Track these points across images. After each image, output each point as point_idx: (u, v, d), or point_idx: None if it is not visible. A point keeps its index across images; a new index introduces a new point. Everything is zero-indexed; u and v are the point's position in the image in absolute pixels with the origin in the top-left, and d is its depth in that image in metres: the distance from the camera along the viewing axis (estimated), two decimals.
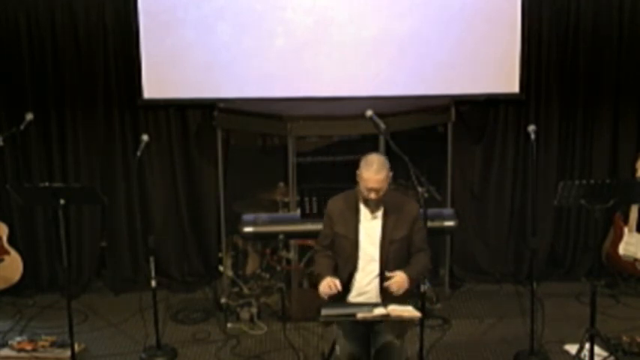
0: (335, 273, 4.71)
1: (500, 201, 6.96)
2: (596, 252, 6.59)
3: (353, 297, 4.76)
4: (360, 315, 4.51)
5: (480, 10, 6.58)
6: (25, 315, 6.48)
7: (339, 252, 4.75)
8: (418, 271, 4.73)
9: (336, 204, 4.80)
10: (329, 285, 4.60)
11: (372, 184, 4.60)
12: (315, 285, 4.82)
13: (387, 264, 4.67)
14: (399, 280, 4.58)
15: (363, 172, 4.63)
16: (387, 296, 4.65)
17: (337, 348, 4.74)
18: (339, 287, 4.62)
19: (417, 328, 5.10)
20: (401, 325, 4.68)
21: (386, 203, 4.70)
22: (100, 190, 5.97)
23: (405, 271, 4.62)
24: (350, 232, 4.70)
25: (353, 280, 4.72)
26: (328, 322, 4.82)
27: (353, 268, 4.71)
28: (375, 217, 4.71)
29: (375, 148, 6.05)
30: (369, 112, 5.44)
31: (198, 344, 6.04)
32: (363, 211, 4.72)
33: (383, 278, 4.67)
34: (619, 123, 6.81)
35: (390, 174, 4.69)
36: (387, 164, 4.66)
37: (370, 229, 4.70)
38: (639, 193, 5.73)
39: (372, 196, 4.62)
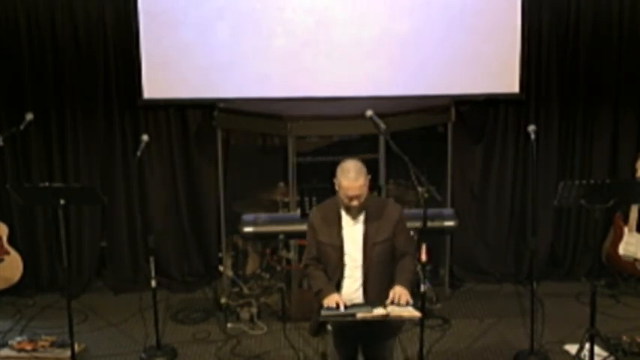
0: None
1: (500, 201, 6.96)
2: (596, 252, 6.59)
3: None
4: (359, 315, 4.50)
5: (480, 10, 6.58)
6: (25, 315, 6.48)
7: (325, 261, 4.70)
8: (407, 279, 4.66)
9: (316, 214, 4.74)
10: (336, 302, 4.57)
11: (352, 192, 4.53)
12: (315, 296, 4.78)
13: (370, 268, 4.64)
14: (398, 292, 4.55)
15: (341, 180, 4.55)
16: (370, 301, 4.63)
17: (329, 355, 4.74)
18: (346, 305, 4.61)
19: (417, 328, 5.10)
20: (394, 325, 4.68)
21: (367, 207, 4.65)
22: (100, 190, 5.97)
23: (400, 284, 4.59)
24: (334, 240, 4.65)
25: (340, 287, 4.70)
26: (318, 331, 4.80)
27: (340, 276, 4.68)
28: (357, 222, 4.66)
29: (375, 148, 6.07)
30: (369, 112, 5.44)
31: (198, 344, 6.04)
32: (345, 218, 4.66)
33: (366, 281, 4.65)
34: (619, 123, 6.81)
35: (369, 177, 4.64)
36: (363, 169, 4.58)
37: (353, 234, 4.65)
38: (639, 193, 5.72)
39: (354, 203, 4.56)
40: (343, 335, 4.68)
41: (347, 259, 4.64)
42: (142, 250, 6.91)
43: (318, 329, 4.79)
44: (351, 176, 4.51)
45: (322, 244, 4.66)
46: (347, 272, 4.65)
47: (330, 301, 4.56)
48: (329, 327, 4.68)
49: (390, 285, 4.62)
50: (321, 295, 4.63)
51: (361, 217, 4.63)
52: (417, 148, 5.63)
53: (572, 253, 7.02)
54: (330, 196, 4.78)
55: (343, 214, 4.65)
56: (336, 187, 4.60)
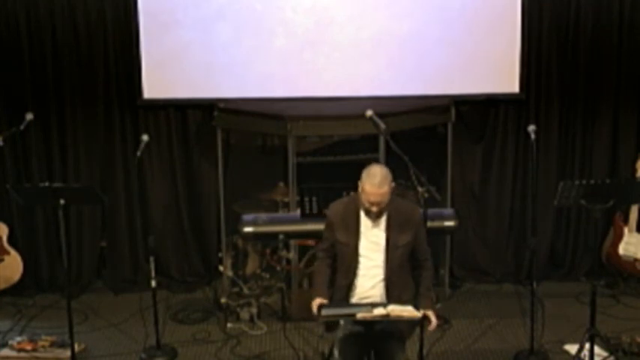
0: (331, 286, 4.71)
1: (500, 201, 6.96)
2: (596, 252, 6.58)
3: (355, 301, 4.74)
4: (359, 315, 4.50)
5: (479, 10, 6.58)
6: (25, 315, 6.48)
7: (339, 259, 4.72)
8: (430, 298, 4.76)
9: (337, 210, 4.73)
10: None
11: (374, 198, 4.53)
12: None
13: (392, 270, 4.65)
14: (432, 323, 4.63)
15: (365, 184, 4.54)
16: (393, 300, 4.64)
17: (335, 352, 4.73)
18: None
19: (417, 328, 5.09)
20: (402, 329, 4.68)
21: (389, 210, 4.64)
22: (100, 190, 5.97)
23: (424, 308, 4.62)
24: (351, 240, 4.65)
25: (353, 285, 4.70)
26: (329, 329, 4.81)
27: (354, 275, 4.69)
28: (377, 224, 4.66)
29: (375, 148, 6.07)
30: (369, 112, 5.43)
31: (198, 344, 6.04)
32: (364, 220, 4.66)
33: (389, 283, 4.66)
34: (619, 123, 6.81)
35: (393, 185, 4.63)
36: (389, 177, 4.57)
37: (373, 236, 4.65)
38: (639, 193, 5.72)
39: (374, 209, 4.56)
40: (350, 343, 4.67)
41: (362, 259, 4.65)
42: (142, 250, 6.91)
43: (330, 326, 4.78)
44: (375, 182, 4.50)
45: (339, 242, 4.69)
46: (362, 271, 4.67)
47: (313, 306, 4.59)
48: (341, 322, 4.68)
49: (410, 281, 4.68)
50: (311, 292, 4.70)
51: (382, 220, 4.63)
52: (417, 148, 5.62)
53: (572, 253, 7.02)
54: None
55: (362, 215, 4.64)
56: (359, 190, 4.59)
